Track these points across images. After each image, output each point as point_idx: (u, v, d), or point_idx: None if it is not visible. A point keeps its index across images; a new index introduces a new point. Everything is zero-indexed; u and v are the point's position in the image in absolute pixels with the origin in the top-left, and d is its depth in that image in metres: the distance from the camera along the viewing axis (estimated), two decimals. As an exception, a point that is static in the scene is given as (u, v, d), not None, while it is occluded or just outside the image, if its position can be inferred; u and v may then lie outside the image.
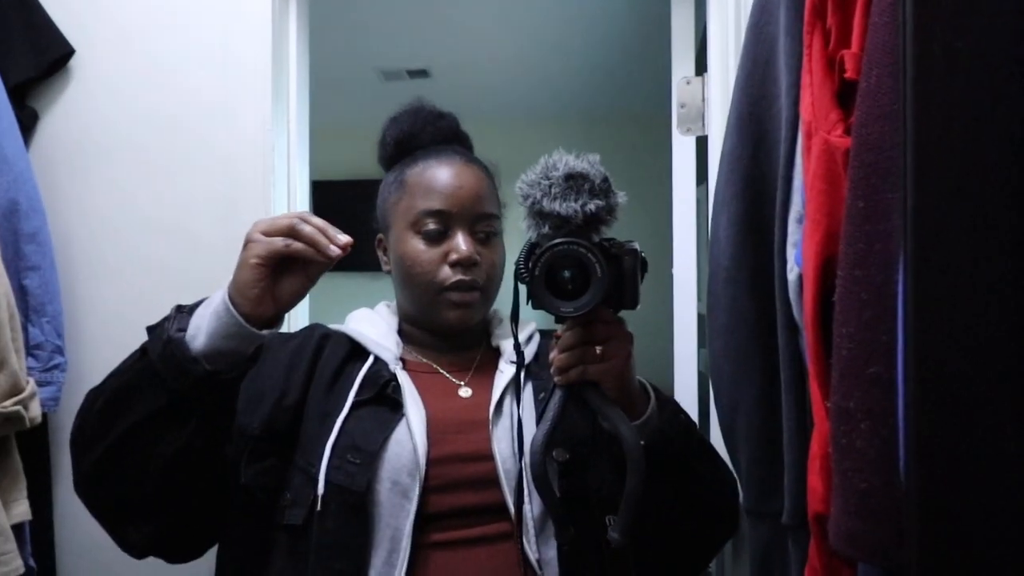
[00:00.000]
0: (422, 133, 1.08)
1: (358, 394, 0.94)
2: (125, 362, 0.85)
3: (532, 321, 1.09)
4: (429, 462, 0.90)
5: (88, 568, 1.40)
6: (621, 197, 0.81)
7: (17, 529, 1.23)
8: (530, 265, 0.79)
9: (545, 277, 0.79)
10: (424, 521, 0.88)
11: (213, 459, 0.87)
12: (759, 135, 0.93)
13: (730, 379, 1.00)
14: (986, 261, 0.44)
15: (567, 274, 0.79)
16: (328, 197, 2.89)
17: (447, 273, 1.00)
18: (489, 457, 0.92)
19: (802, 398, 0.82)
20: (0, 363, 1.18)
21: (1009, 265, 0.44)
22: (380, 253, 1.10)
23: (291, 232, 0.80)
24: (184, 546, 0.94)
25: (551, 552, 0.90)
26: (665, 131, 1.59)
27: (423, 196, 1.01)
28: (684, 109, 1.45)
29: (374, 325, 1.05)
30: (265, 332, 0.82)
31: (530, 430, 0.88)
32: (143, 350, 0.83)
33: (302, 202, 1.54)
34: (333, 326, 1.07)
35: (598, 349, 0.83)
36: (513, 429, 0.93)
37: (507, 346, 1.05)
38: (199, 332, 0.80)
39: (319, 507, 0.87)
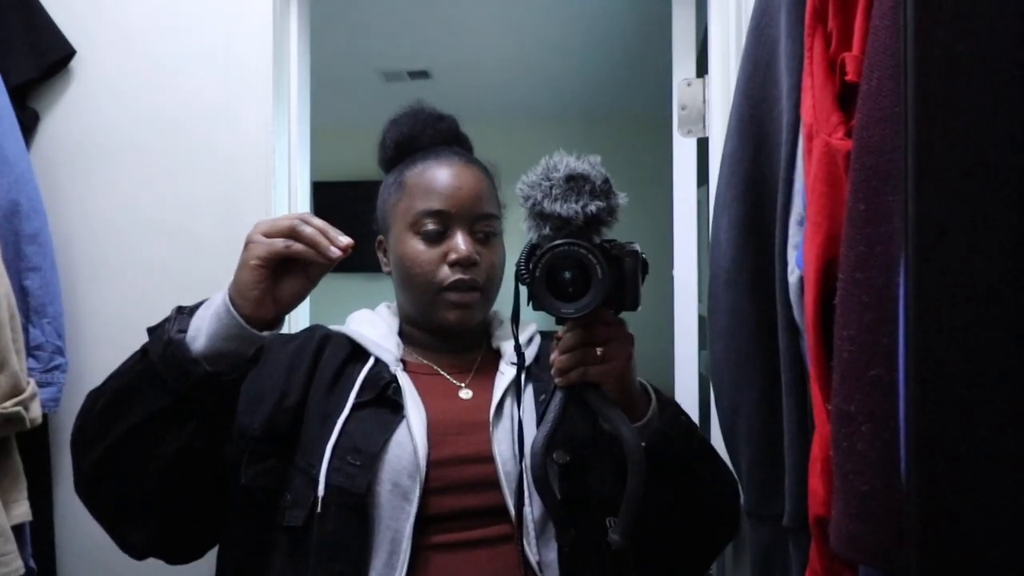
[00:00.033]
0: (422, 135, 1.08)
1: (359, 395, 0.94)
2: (126, 363, 0.85)
3: (533, 322, 1.09)
4: (429, 464, 0.90)
5: (88, 569, 1.40)
6: (622, 198, 0.81)
7: (17, 530, 1.23)
8: (531, 266, 0.79)
9: (546, 278, 0.79)
10: (424, 523, 0.88)
11: (213, 460, 0.87)
12: (760, 138, 0.93)
13: (731, 381, 1.00)
14: (987, 263, 0.44)
15: (568, 275, 0.79)
16: (329, 198, 2.89)
17: (446, 273, 1.00)
18: (489, 459, 0.92)
19: (803, 401, 0.82)
20: (0, 364, 1.18)
21: (1010, 267, 0.44)
22: (380, 255, 1.10)
23: (292, 233, 0.80)
24: (184, 547, 0.94)
25: (551, 554, 0.90)
26: (666, 132, 1.59)
27: (422, 197, 1.02)
28: (685, 111, 1.45)
29: (375, 326, 1.05)
30: (265, 333, 0.81)
31: (531, 432, 0.88)
32: (144, 351, 0.83)
33: (303, 203, 1.54)
34: (334, 327, 1.07)
35: (599, 350, 0.83)
36: (514, 431, 0.93)
37: (508, 347, 1.05)
38: (199, 333, 0.80)
39: (319, 509, 0.87)
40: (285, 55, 1.49)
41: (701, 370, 1.48)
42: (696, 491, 0.97)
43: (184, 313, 0.84)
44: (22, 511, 1.25)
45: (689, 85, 1.45)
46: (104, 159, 1.44)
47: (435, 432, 0.93)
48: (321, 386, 0.96)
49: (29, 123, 1.42)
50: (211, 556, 0.96)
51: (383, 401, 0.94)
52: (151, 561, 0.92)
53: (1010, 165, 0.44)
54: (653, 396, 0.94)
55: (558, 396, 0.85)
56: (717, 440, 1.21)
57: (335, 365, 0.99)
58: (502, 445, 0.94)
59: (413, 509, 0.88)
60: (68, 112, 1.45)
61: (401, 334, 1.07)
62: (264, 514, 0.90)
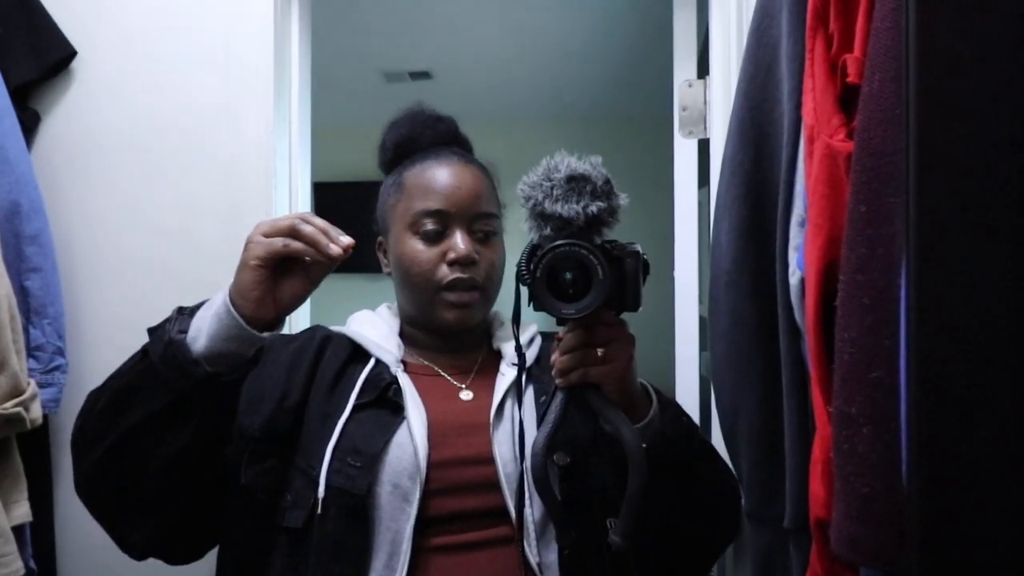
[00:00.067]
0: (421, 137, 1.08)
1: (359, 397, 0.94)
2: (126, 363, 0.85)
3: (533, 323, 1.09)
4: (430, 465, 0.90)
5: (89, 570, 1.40)
6: (623, 199, 0.81)
7: (18, 531, 1.23)
8: (531, 267, 0.79)
9: (546, 279, 0.79)
10: (425, 525, 0.88)
11: (213, 460, 0.87)
12: (761, 139, 0.93)
13: (731, 383, 1.00)
14: (988, 265, 0.44)
15: (569, 276, 0.79)
16: (330, 199, 2.89)
17: (445, 272, 1.00)
18: (490, 460, 0.92)
19: (804, 403, 0.82)
20: (1, 364, 1.18)
21: (1011, 269, 0.44)
22: (380, 256, 1.10)
23: (292, 232, 0.80)
24: (184, 547, 0.94)
25: (552, 556, 0.89)
26: (667, 134, 1.59)
27: (421, 197, 1.02)
28: (686, 112, 1.45)
29: (375, 327, 1.05)
30: (266, 334, 0.81)
31: (531, 433, 0.87)
32: (144, 352, 0.83)
33: (304, 203, 1.54)
34: (334, 328, 1.07)
35: (600, 351, 0.83)
36: (514, 432, 0.93)
37: (508, 348, 1.05)
38: (200, 334, 0.80)
39: (319, 510, 0.86)
40: (286, 55, 1.49)
41: (702, 371, 1.48)
42: (697, 492, 0.96)
43: (185, 314, 0.84)
44: (22, 512, 1.24)
45: (690, 86, 1.45)
46: (105, 160, 1.44)
47: (435, 433, 0.93)
48: (322, 387, 0.96)
49: (30, 123, 1.42)
50: (211, 556, 0.96)
51: (384, 402, 0.94)
52: (151, 561, 0.92)
53: (1011, 167, 0.44)
54: (654, 397, 0.94)
55: (559, 397, 0.85)
56: (718, 441, 1.21)
57: (336, 366, 0.98)
58: (503, 446, 0.93)
59: (413, 510, 0.87)
60: (69, 113, 1.45)
61: (402, 335, 1.07)
62: (264, 515, 0.90)
